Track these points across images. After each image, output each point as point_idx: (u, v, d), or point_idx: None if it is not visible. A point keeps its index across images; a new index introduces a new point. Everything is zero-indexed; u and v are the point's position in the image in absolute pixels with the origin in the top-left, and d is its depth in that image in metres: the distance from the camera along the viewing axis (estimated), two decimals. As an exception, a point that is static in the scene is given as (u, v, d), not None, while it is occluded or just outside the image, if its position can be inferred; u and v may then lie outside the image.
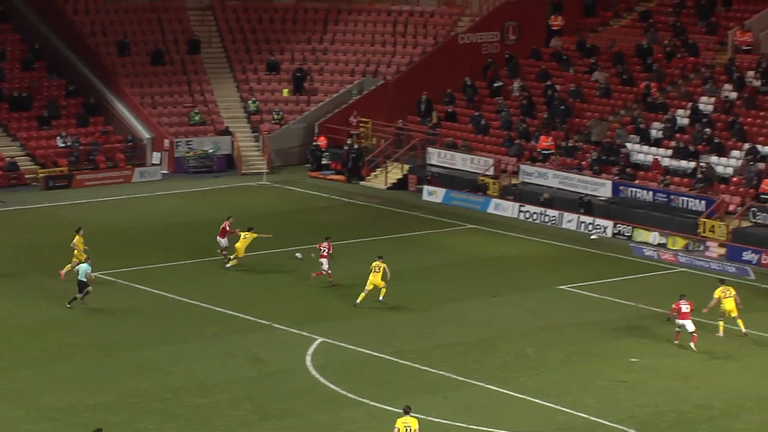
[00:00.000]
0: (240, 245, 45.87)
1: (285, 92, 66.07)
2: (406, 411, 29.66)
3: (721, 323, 39.72)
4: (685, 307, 38.54)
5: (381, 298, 42.17)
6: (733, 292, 39.46)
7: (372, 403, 34.44)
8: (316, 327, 40.41)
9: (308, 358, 37.79)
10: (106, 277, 44.47)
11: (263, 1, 69.82)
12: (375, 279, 41.98)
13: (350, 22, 68.82)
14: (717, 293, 39.54)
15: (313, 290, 44.49)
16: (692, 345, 38.41)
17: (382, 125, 62.80)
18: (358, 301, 42.10)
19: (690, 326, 38.40)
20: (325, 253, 44.45)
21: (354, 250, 49.71)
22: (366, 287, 42.08)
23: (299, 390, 35.36)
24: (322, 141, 63.16)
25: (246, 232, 46.06)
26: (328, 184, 60.94)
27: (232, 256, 46.14)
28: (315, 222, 54.38)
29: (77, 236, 43.90)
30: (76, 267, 42.00)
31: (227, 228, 46.33)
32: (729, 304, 39.35)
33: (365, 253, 48.85)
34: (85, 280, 41.31)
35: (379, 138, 62.65)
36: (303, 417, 33.52)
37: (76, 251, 43.57)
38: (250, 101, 65.38)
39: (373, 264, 42.30)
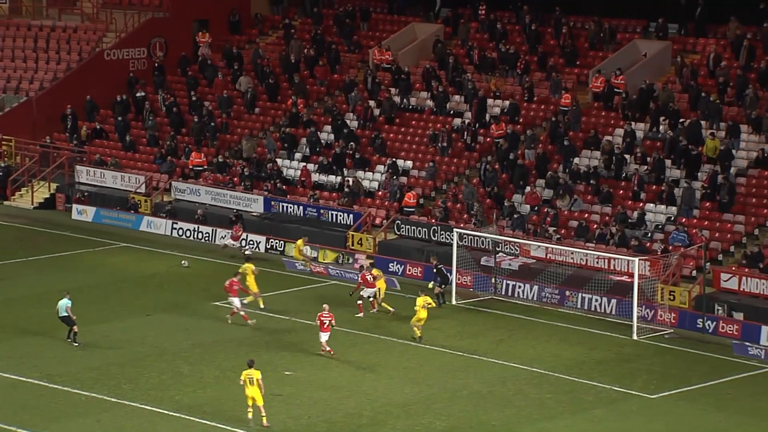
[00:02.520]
0: (251, 282, 44.19)
1: None
2: (250, 365, 34.41)
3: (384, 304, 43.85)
4: (369, 277, 44.10)
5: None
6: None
7: (20, 430, 33.54)
8: (-43, 354, 39.05)
9: (-50, 387, 36.45)
10: None
11: None
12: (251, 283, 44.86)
13: (-13, 36, 66.81)
14: (379, 283, 44.06)
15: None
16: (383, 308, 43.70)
17: (26, 143, 61.21)
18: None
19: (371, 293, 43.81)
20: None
21: None
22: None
23: (-60, 421, 34.04)
24: (-39, 160, 60.99)
25: (247, 265, 44.68)
26: (-30, 205, 58.92)
27: (259, 300, 44.24)
28: (-43, 245, 52.54)
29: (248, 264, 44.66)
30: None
31: (234, 286, 42.89)
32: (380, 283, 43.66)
33: (10, 275, 47.66)
34: (68, 315, 39.89)
35: (23, 156, 61.02)
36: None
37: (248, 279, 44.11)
38: None
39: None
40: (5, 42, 66.53)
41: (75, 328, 40.30)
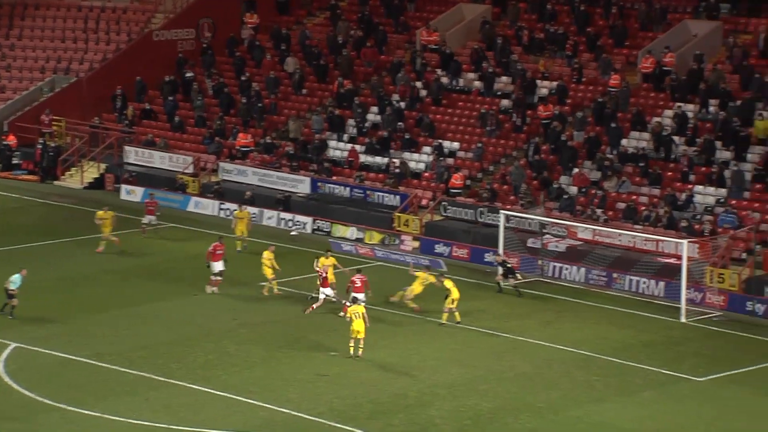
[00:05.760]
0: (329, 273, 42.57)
1: (-29, 90, 63.95)
2: (354, 301, 39.34)
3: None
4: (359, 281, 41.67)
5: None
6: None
7: (69, 407, 33.80)
8: (8, 332, 39.36)
9: (0, 365, 36.68)
10: None
11: (-58, -6, 67.43)
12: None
13: (38, 18, 67.16)
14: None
15: (3, 296, 43.31)
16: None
17: (76, 123, 61.59)
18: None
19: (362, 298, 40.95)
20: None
21: (49, 251, 48.74)
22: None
23: (-7, 398, 34.34)
24: (11, 140, 61.38)
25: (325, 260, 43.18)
26: (19, 185, 59.37)
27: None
28: (7, 224, 52.93)
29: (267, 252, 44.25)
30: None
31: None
32: (456, 293, 41.16)
33: (61, 254, 48.01)
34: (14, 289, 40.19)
35: (73, 136, 61.42)
36: (-3, 425, 32.64)
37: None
38: (-70, 100, 62.99)
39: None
40: (56, 23, 66.94)
41: (14, 302, 40.46)
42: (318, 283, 42.34)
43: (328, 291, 42.11)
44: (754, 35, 55.29)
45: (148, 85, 63.12)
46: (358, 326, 37.53)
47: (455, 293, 41.12)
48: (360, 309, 37.85)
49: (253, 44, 64.04)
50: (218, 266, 43.78)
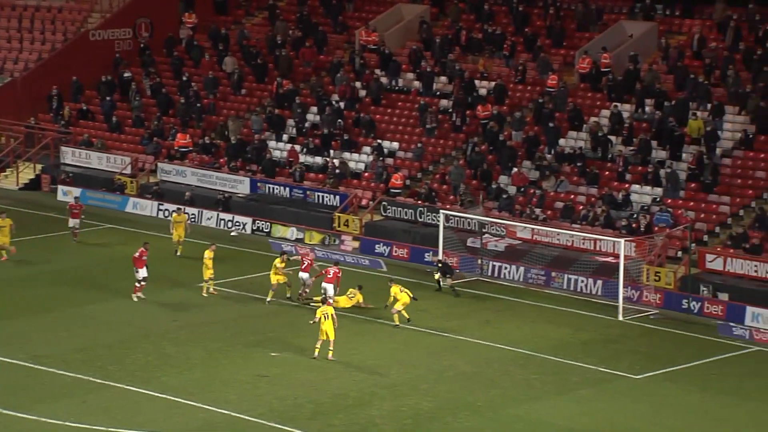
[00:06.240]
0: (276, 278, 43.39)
1: None
2: (323, 302, 39.28)
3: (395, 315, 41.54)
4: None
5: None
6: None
7: (5, 411, 33.56)
8: (-57, 336, 39.03)
9: (-64, 369, 36.45)
10: None
11: None
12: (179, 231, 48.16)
13: (-28, 17, 66.59)
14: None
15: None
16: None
17: (10, 123, 61.05)
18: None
19: (330, 290, 41.88)
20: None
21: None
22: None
23: (-72, 402, 34.01)
24: (-54, 141, 60.85)
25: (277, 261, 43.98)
26: (-46, 186, 58.86)
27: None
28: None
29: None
30: None
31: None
32: (404, 298, 41.27)
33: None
34: None
35: (8, 137, 60.87)
36: (-67, 430, 32.32)
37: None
38: None
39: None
40: (-11, 22, 66.37)
41: None
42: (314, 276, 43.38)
43: (305, 276, 43.06)
44: (688, 36, 55.88)
45: (84, 85, 62.70)
46: (327, 327, 37.34)
47: (404, 298, 41.16)
48: (329, 310, 37.64)
49: (191, 44, 63.80)
50: (142, 272, 43.51)
